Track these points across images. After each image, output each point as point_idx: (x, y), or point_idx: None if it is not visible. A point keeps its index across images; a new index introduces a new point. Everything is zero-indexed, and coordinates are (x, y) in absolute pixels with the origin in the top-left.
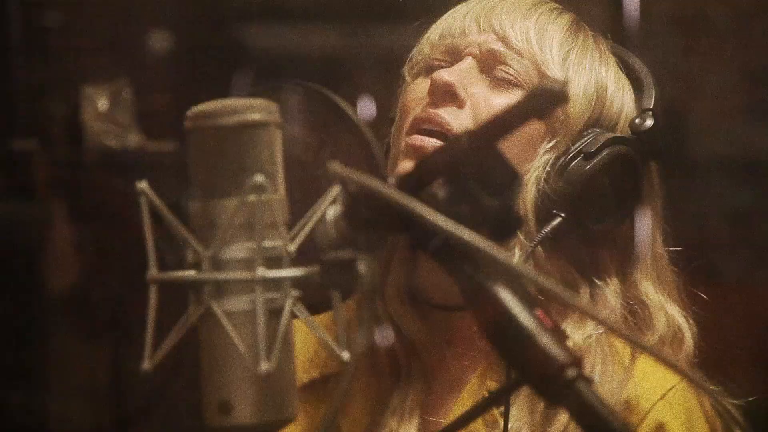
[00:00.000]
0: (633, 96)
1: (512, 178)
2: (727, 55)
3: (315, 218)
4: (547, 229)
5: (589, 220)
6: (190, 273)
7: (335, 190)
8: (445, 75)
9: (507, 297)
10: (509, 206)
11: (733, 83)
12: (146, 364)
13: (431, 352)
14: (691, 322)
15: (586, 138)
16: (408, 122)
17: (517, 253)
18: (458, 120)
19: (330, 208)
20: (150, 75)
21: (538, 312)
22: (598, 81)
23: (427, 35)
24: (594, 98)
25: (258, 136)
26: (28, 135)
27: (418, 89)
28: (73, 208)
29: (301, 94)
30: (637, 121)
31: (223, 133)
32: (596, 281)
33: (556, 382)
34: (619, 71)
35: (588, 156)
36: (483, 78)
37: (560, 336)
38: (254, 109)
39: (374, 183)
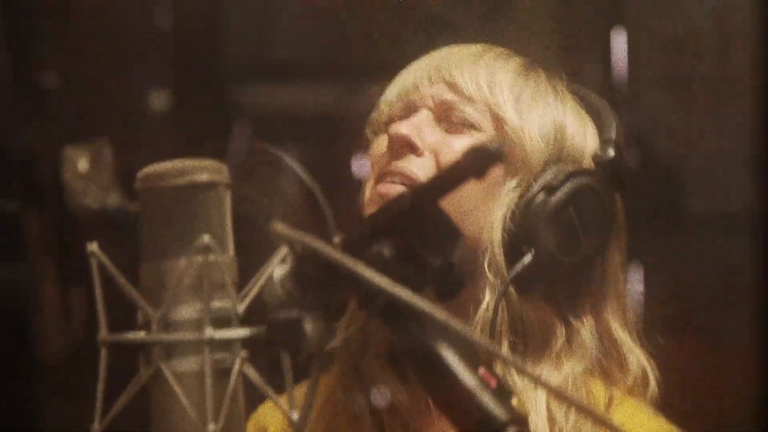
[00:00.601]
0: (595, 131)
1: (455, 237)
2: (720, 108)
3: (263, 278)
4: (519, 267)
5: (559, 254)
6: (140, 334)
7: (283, 251)
8: (401, 128)
9: (449, 356)
10: (452, 264)
11: (726, 136)
12: (96, 427)
13: (414, 414)
14: (653, 364)
15: (547, 173)
16: (374, 177)
17: (488, 294)
18: (422, 168)
19: (278, 268)
20: (133, 134)
21: (481, 371)
22: (554, 119)
23: (384, 95)
24: (552, 136)
25: (207, 197)
26: (10, 196)
27: (379, 146)
28: (59, 268)
29: (254, 154)
30: (599, 152)
31: (172, 193)
32: (572, 320)
33: None
34: (577, 107)
35: (551, 190)
36: (440, 126)
37: (505, 394)
38: (203, 170)
39: (317, 243)
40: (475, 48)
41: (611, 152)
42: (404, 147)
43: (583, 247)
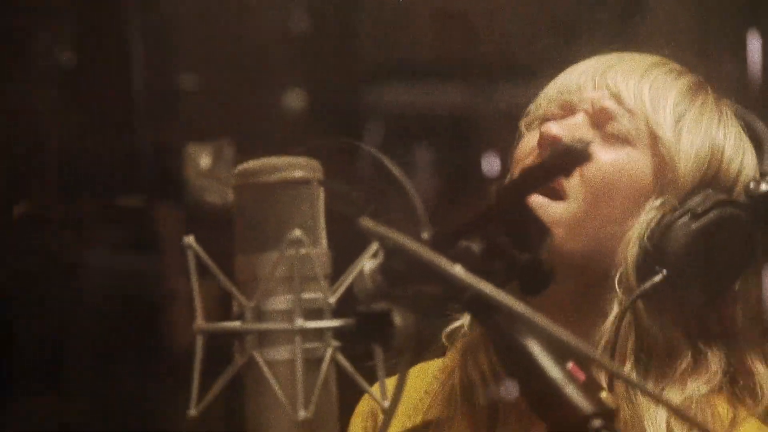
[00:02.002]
0: (755, 160)
1: (542, 233)
2: None
3: (355, 272)
4: (647, 285)
5: (693, 280)
6: (235, 323)
7: (375, 245)
8: (554, 128)
9: (535, 349)
10: (539, 260)
11: None
12: (192, 411)
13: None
14: None
15: (695, 197)
16: (517, 173)
17: (615, 308)
18: None
19: (368, 262)
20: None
21: (570, 365)
22: (713, 143)
23: (545, 90)
24: (708, 160)
25: (299, 193)
26: (136, 191)
27: (530, 141)
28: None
29: (350, 151)
30: (752, 185)
31: (265, 190)
32: (700, 345)
33: None
34: (741, 134)
35: (695, 215)
36: (594, 133)
37: (594, 389)
38: (296, 167)
39: (401, 238)
40: (647, 60)
41: (765, 186)
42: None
43: (718, 275)
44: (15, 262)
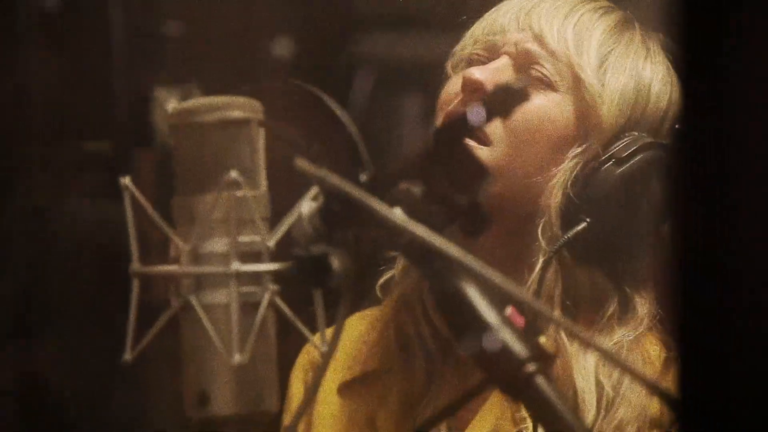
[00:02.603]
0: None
1: (482, 175)
2: None
3: (294, 214)
4: (570, 234)
5: (618, 227)
6: (171, 267)
7: (315, 188)
8: (476, 73)
9: (472, 293)
10: (478, 203)
11: None
12: (127, 356)
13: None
14: None
15: (619, 142)
16: (441, 117)
17: (540, 257)
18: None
19: (306, 205)
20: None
21: (510, 310)
22: (639, 81)
23: (471, 30)
24: (633, 99)
25: (238, 133)
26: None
27: (454, 85)
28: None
29: (293, 93)
30: (678, 125)
31: (203, 129)
32: (627, 290)
33: (515, 377)
34: (670, 69)
35: (619, 161)
36: (517, 77)
37: (532, 333)
38: (234, 106)
39: (337, 179)
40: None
41: None
42: (476, 92)
43: (644, 220)
44: None
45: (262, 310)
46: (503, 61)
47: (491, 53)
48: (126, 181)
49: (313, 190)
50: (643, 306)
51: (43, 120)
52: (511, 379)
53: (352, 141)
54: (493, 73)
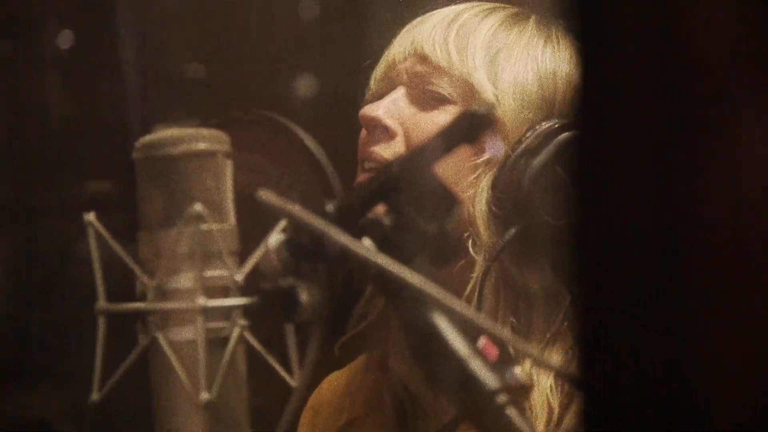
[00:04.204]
0: None
1: (450, 202)
2: None
3: (263, 248)
4: (503, 243)
5: (551, 219)
6: (138, 303)
7: (284, 220)
8: (368, 110)
9: (442, 324)
10: (446, 231)
11: None
12: (95, 395)
13: (437, 407)
14: None
15: (529, 134)
16: (359, 163)
17: (478, 269)
18: (391, 151)
19: (273, 237)
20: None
21: (483, 340)
22: (539, 70)
23: (374, 72)
24: (536, 91)
25: (204, 166)
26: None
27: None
28: None
29: (263, 125)
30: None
31: (167, 162)
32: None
33: (486, 409)
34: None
35: (532, 152)
36: (415, 102)
37: (507, 364)
38: (200, 138)
39: (301, 211)
40: (453, 9)
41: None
42: (377, 129)
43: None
44: None
45: (230, 345)
46: (399, 92)
47: (389, 89)
48: (90, 217)
49: (283, 222)
50: None
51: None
52: (482, 411)
53: (321, 171)
54: (388, 105)
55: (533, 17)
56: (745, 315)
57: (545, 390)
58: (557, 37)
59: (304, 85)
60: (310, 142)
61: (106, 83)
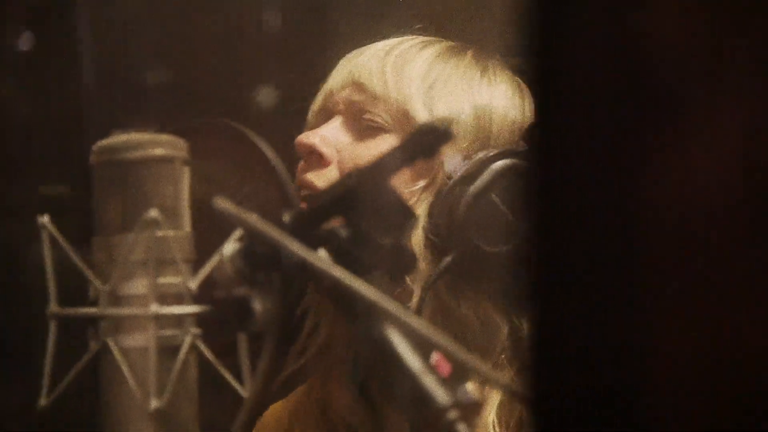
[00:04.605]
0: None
1: (406, 216)
2: None
3: (218, 256)
4: (437, 272)
5: (486, 246)
6: (89, 309)
7: (240, 229)
8: (303, 138)
9: (395, 338)
10: (402, 245)
11: None
12: (43, 401)
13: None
14: None
15: (465, 163)
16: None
17: (414, 298)
18: (324, 178)
19: (228, 246)
20: None
21: (436, 356)
22: (475, 103)
23: (313, 103)
24: (472, 122)
25: (160, 172)
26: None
27: None
28: None
29: (222, 133)
30: (527, 130)
31: (124, 167)
32: (515, 319)
33: (436, 425)
34: (515, 83)
35: (468, 180)
36: (351, 131)
37: (459, 381)
38: (157, 144)
39: (255, 220)
40: (392, 41)
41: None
42: (312, 156)
43: (513, 234)
44: None
45: (182, 353)
46: (336, 121)
47: (326, 118)
48: (44, 220)
49: (239, 231)
50: None
51: (5, 161)
52: (433, 426)
53: (280, 181)
54: (324, 134)
55: (471, 50)
56: (699, 332)
57: (487, 426)
58: (494, 70)
59: (265, 95)
60: (269, 152)
61: (64, 86)
